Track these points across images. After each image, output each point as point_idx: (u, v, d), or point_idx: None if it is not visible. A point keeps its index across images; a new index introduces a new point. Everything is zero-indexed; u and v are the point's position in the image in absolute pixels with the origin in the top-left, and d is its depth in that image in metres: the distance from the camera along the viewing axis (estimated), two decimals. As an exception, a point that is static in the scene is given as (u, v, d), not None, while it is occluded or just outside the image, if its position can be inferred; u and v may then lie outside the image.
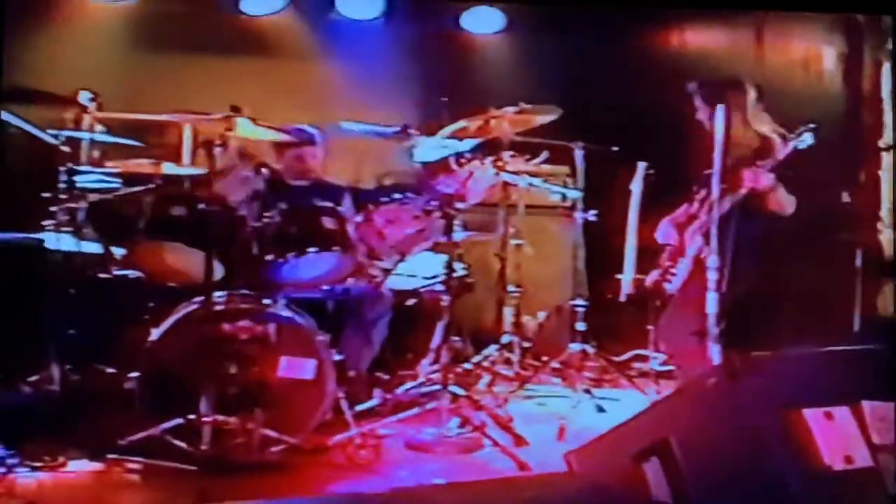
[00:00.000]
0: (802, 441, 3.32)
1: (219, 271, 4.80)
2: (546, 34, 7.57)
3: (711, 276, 4.60)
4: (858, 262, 6.64)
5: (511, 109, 5.51)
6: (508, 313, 6.71)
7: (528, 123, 5.70)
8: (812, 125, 4.92)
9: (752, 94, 5.15)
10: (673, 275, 5.37)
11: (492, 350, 6.55)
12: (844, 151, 6.75)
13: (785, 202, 5.08)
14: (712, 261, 4.62)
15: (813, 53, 7.07)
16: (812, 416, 3.36)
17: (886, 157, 6.72)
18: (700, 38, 7.41)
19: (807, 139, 4.91)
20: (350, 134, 5.78)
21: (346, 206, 5.44)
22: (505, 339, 6.61)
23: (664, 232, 5.46)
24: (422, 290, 6.04)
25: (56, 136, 5.38)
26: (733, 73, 5.13)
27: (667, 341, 5.55)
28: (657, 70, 7.07)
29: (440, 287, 5.58)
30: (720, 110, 4.72)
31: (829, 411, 3.39)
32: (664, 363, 6.16)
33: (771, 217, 5.06)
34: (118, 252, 5.37)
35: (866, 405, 3.44)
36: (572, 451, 3.82)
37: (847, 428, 3.39)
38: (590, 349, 6.28)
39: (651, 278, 5.52)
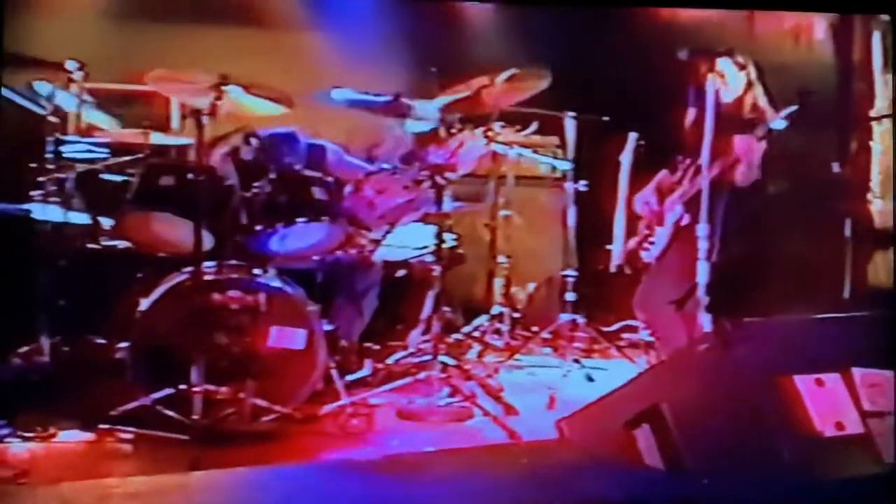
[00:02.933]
0: (794, 407, 3.34)
1: (208, 241, 4.77)
2: (537, 4, 7.53)
3: (702, 245, 4.60)
4: (848, 231, 6.65)
5: (503, 75, 5.48)
6: (498, 284, 6.72)
7: (519, 90, 5.67)
8: (804, 95, 4.90)
9: (750, 66, 5.14)
10: (651, 243, 5.38)
11: (482, 320, 6.56)
12: (835, 121, 6.75)
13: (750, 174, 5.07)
14: (702, 229, 4.62)
15: (804, 23, 7.05)
16: (803, 382, 3.39)
17: (877, 128, 6.72)
18: (691, 8, 7.38)
19: (796, 110, 4.89)
20: (340, 103, 5.73)
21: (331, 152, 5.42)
22: (495, 309, 6.62)
23: (641, 199, 5.46)
24: (412, 260, 6.04)
25: (43, 107, 5.36)
26: (725, 42, 5.10)
27: (644, 309, 5.56)
28: (648, 40, 7.03)
29: (430, 258, 5.57)
30: (712, 79, 4.72)
31: (820, 378, 3.42)
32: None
33: (745, 187, 5.04)
34: (107, 222, 5.35)
35: (857, 372, 3.47)
36: (564, 419, 3.84)
37: (838, 394, 3.42)
38: (580, 319, 6.29)
39: (628, 246, 5.54)
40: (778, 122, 4.93)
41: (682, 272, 4.94)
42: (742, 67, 5.12)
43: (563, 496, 3.47)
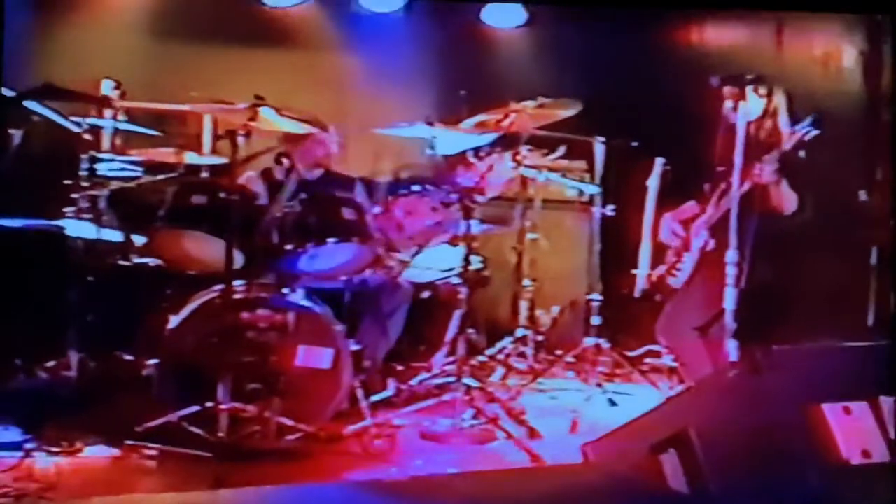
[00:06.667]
0: (821, 435, 3.34)
1: (238, 260, 4.81)
2: (567, 29, 7.57)
3: (730, 272, 4.60)
4: (874, 259, 6.63)
5: (531, 103, 5.52)
6: (523, 307, 6.74)
7: (548, 117, 5.71)
8: (816, 114, 4.89)
9: (780, 94, 5.14)
10: (679, 270, 5.38)
11: (506, 343, 6.58)
12: (862, 149, 6.74)
13: (786, 199, 5.06)
14: (730, 256, 4.62)
15: (833, 50, 7.05)
16: (831, 410, 3.39)
17: (904, 156, 6.70)
18: (720, 34, 7.39)
19: (812, 130, 4.87)
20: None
21: (362, 198, 5.46)
22: (519, 332, 6.64)
23: (667, 229, 5.47)
24: (438, 282, 6.05)
25: (78, 124, 5.41)
26: (754, 69, 5.10)
27: (668, 335, 5.56)
28: (677, 65, 7.07)
29: (456, 280, 5.59)
30: (742, 106, 4.73)
31: (847, 406, 3.41)
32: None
33: (772, 214, 5.03)
34: (138, 240, 5.37)
35: (884, 401, 3.46)
36: (589, 443, 3.83)
37: (865, 422, 3.42)
38: (604, 344, 6.29)
39: (657, 273, 5.54)
40: (791, 143, 4.92)
41: (706, 298, 4.94)
42: (763, 95, 5.10)
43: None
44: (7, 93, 4.98)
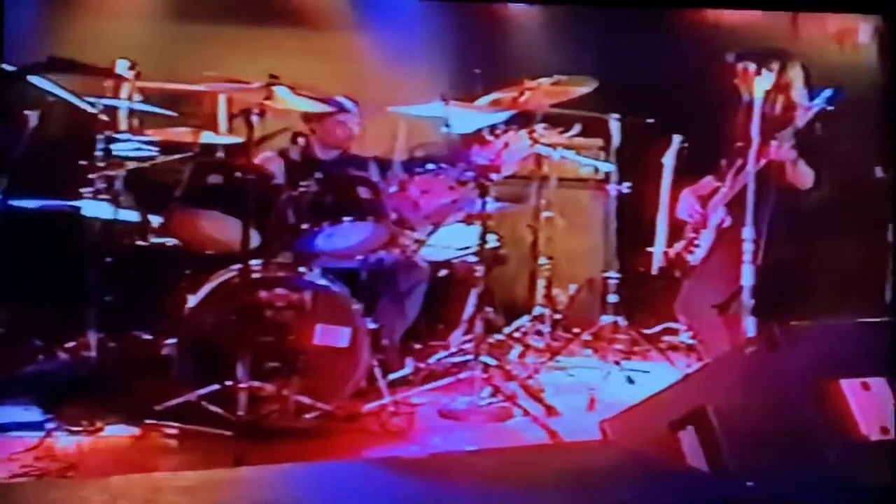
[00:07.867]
0: (839, 411, 3.33)
1: (255, 240, 4.82)
2: (582, 6, 7.54)
3: (747, 248, 4.59)
4: (891, 236, 6.61)
5: (546, 81, 5.50)
6: (540, 285, 6.74)
7: (563, 95, 5.69)
8: (832, 89, 4.87)
9: (797, 68, 5.12)
10: (696, 246, 5.38)
11: (523, 321, 6.59)
12: (879, 125, 6.71)
13: (803, 176, 5.04)
14: (748, 232, 4.61)
15: (848, 27, 7.02)
16: (849, 386, 3.38)
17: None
18: (736, 10, 7.37)
19: (824, 103, 4.84)
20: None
21: (377, 177, 5.46)
22: (536, 310, 6.65)
23: (686, 204, 5.46)
24: (454, 261, 6.06)
25: (94, 105, 5.42)
26: (770, 45, 5.09)
27: (687, 313, 5.56)
28: (693, 41, 7.05)
29: (473, 258, 5.60)
30: (759, 81, 4.72)
31: (866, 382, 3.40)
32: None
33: (789, 190, 5.02)
34: (155, 220, 5.37)
35: (903, 377, 3.45)
36: (607, 420, 3.83)
37: (884, 399, 3.41)
38: (621, 321, 6.30)
39: (675, 250, 5.54)
40: (806, 119, 4.90)
41: (724, 275, 4.93)
42: (776, 70, 5.06)
43: (605, 497, 3.48)
44: (8, 68, 4.99)
